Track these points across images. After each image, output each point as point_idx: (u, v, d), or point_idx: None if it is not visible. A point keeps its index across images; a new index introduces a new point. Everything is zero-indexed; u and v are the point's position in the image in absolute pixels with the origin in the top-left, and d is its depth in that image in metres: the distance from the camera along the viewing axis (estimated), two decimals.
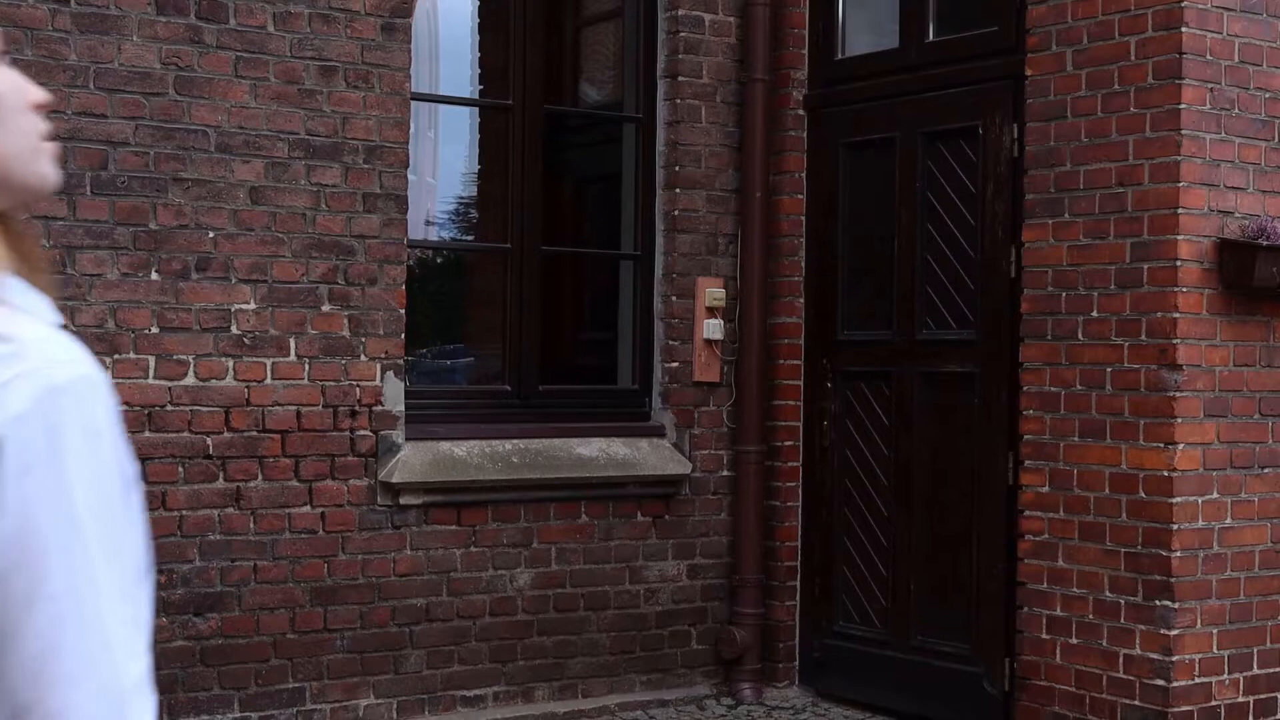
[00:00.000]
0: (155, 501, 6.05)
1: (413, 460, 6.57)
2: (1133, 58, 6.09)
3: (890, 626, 7.10)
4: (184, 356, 6.11)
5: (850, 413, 7.31)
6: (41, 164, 1.45)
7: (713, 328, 7.43)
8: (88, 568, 1.32)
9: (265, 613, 6.28)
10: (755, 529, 7.43)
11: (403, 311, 6.58)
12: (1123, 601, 6.10)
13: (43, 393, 1.30)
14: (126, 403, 6.00)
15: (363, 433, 6.48)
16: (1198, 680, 6.01)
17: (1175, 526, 5.95)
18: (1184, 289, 5.96)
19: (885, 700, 7.10)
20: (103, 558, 1.33)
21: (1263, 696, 6.19)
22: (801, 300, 7.54)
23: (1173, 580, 5.95)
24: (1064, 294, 6.33)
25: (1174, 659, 5.95)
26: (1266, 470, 6.20)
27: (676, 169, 7.39)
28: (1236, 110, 6.07)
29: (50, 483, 1.30)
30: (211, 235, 6.16)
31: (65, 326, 1.42)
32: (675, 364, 7.37)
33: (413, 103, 6.67)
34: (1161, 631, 5.97)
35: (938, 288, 6.92)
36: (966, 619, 6.75)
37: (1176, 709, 5.95)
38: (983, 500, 6.70)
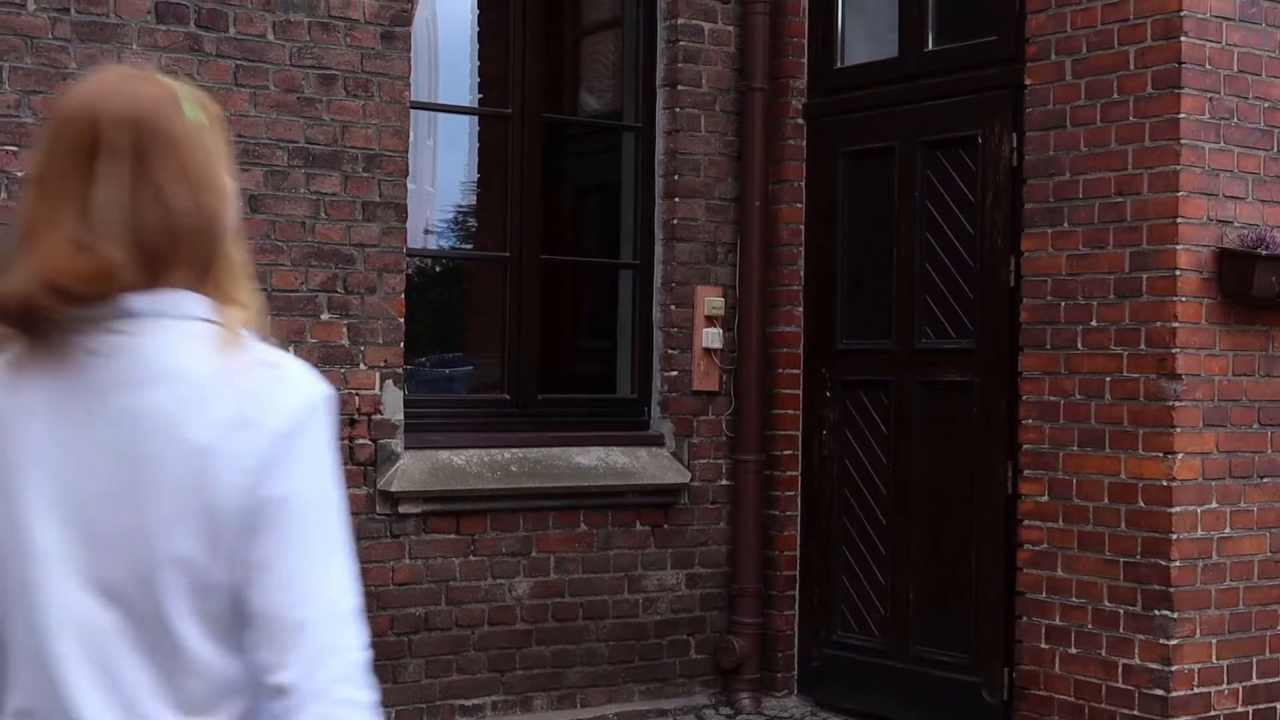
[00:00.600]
0: None
1: (411, 469, 6.56)
2: (1132, 67, 6.10)
3: (889, 636, 7.09)
4: None
5: (849, 422, 7.31)
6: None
7: (712, 336, 7.43)
8: (329, 525, 1.90)
9: None
10: (754, 538, 7.43)
11: (402, 320, 6.58)
12: (1122, 611, 6.10)
13: (307, 403, 1.89)
14: None
15: (361, 441, 6.48)
16: (1197, 690, 6.00)
17: (1174, 536, 5.95)
18: (1183, 298, 5.96)
19: (884, 710, 7.09)
20: (336, 521, 1.91)
21: (1262, 707, 6.19)
22: (800, 309, 7.54)
23: (1172, 590, 5.95)
24: (1063, 303, 6.33)
25: (1173, 669, 5.95)
26: (1265, 480, 6.20)
27: (675, 178, 7.39)
28: (1235, 120, 6.08)
29: (314, 465, 1.88)
30: None
31: None
32: (674, 373, 7.37)
33: (412, 111, 6.67)
34: (1160, 641, 5.97)
35: (937, 297, 6.92)
36: (965, 628, 6.75)
37: (1175, 719, 5.94)
38: (982, 509, 6.69)
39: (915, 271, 7.00)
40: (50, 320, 1.85)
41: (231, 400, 1.88)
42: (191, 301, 1.89)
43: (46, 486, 1.89)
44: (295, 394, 1.90)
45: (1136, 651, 6.04)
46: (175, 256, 1.87)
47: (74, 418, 1.89)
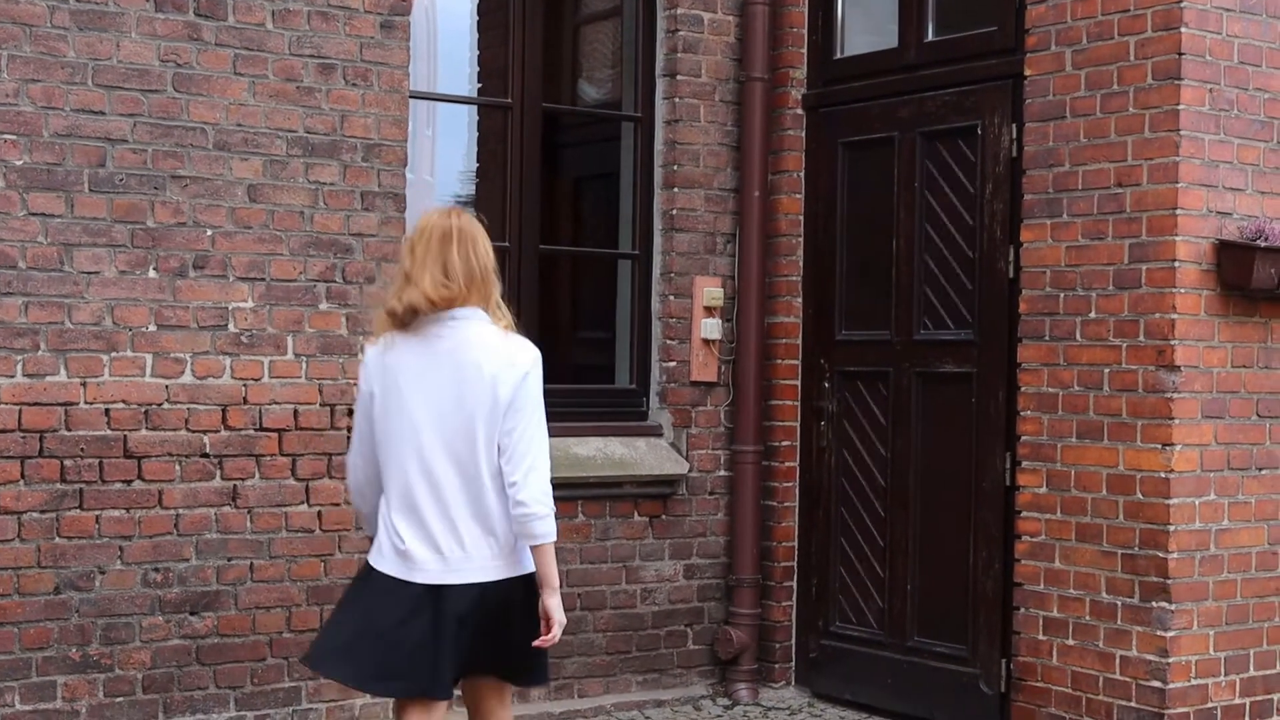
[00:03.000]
0: (151, 500, 6.05)
1: None
2: (1132, 58, 6.09)
3: (887, 627, 7.10)
4: (181, 355, 6.10)
5: (847, 413, 7.31)
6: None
7: (710, 327, 7.43)
8: (539, 415, 4.25)
9: (262, 612, 6.27)
10: (752, 529, 7.43)
11: None
12: (1119, 603, 6.10)
13: (533, 357, 4.27)
14: (123, 401, 5.99)
15: None
16: (1194, 682, 6.01)
17: (1172, 528, 5.95)
18: (1182, 290, 5.96)
19: (882, 701, 7.10)
20: (540, 416, 4.25)
21: (1259, 698, 6.19)
22: (799, 300, 7.54)
23: (1169, 582, 5.95)
24: (1062, 295, 6.33)
25: (1170, 660, 5.95)
26: (1264, 471, 6.20)
27: (675, 168, 7.38)
28: (1235, 111, 6.07)
29: (534, 384, 4.25)
30: (209, 233, 6.16)
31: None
32: (673, 363, 7.37)
33: (411, 101, 6.66)
34: (1158, 633, 5.97)
35: (936, 288, 6.92)
36: (963, 619, 6.75)
37: (1173, 710, 5.95)
38: (979, 501, 6.69)
39: (914, 262, 7.00)
40: (421, 316, 4.24)
41: (502, 354, 4.25)
42: (480, 312, 4.29)
43: (418, 398, 4.24)
44: (528, 352, 4.31)
45: (1134, 643, 6.05)
46: (473, 290, 4.26)
47: (429, 364, 4.25)
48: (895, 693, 7.03)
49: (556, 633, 4.27)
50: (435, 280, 4.19)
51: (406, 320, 4.23)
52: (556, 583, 4.27)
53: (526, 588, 4.27)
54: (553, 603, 4.25)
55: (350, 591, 4.42)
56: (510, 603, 4.26)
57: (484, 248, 4.28)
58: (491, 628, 4.24)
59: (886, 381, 7.13)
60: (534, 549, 4.23)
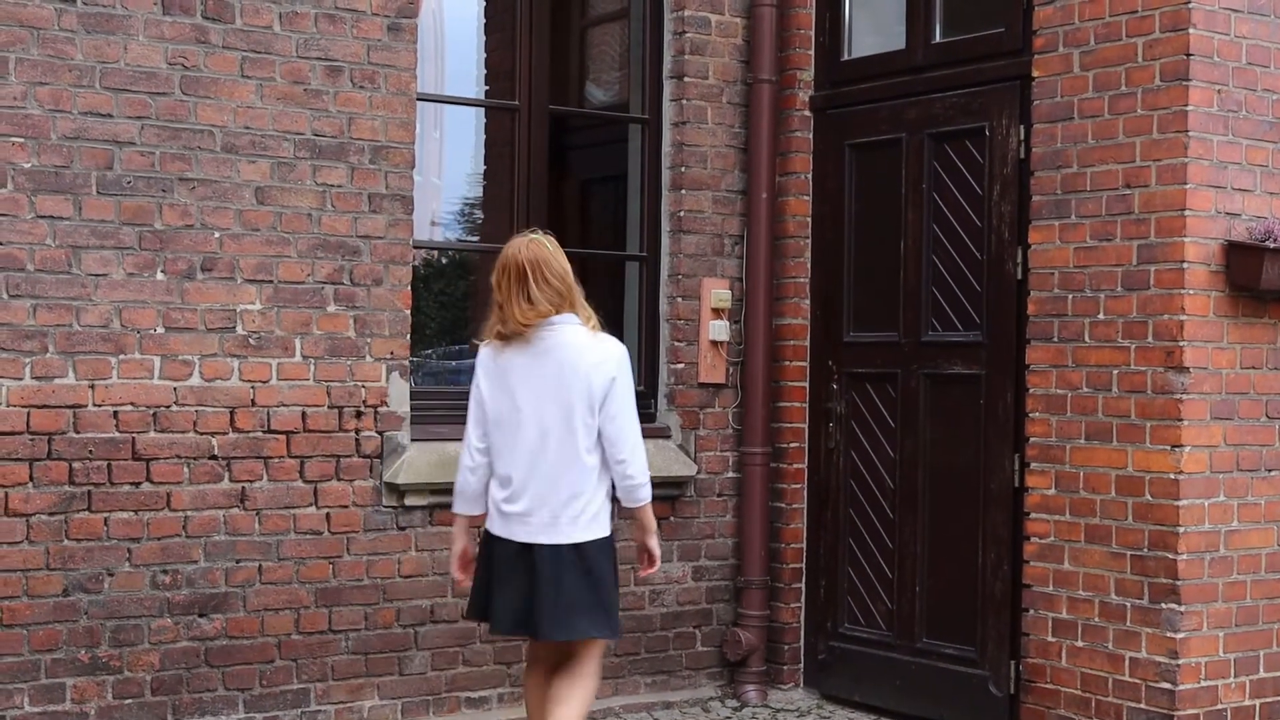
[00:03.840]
0: (160, 502, 6.05)
1: (418, 461, 6.56)
2: (1140, 59, 6.08)
3: (895, 629, 7.09)
4: (189, 357, 6.11)
5: (855, 414, 7.30)
6: None
7: (718, 329, 7.43)
8: (631, 402, 5.16)
9: (270, 613, 6.28)
10: (760, 531, 7.42)
11: (408, 312, 6.58)
12: (1129, 604, 6.09)
13: (621, 353, 5.17)
14: (131, 403, 6.00)
15: (368, 434, 6.48)
16: (1204, 683, 6.00)
17: (1181, 529, 5.94)
18: (1191, 291, 5.95)
19: (890, 702, 7.09)
20: (632, 402, 5.17)
21: (1269, 700, 6.18)
22: (807, 301, 7.53)
23: (1179, 583, 5.94)
24: (1070, 296, 6.32)
25: (1180, 662, 5.94)
26: (1274, 473, 6.19)
27: (682, 170, 7.38)
28: (1244, 112, 6.06)
29: (625, 375, 5.15)
30: (217, 235, 6.16)
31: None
32: (681, 365, 7.37)
33: (418, 103, 6.66)
34: (1167, 634, 5.96)
35: (944, 289, 6.91)
36: (972, 621, 6.74)
37: (1182, 712, 5.94)
38: (988, 502, 6.69)
39: (922, 264, 6.99)
40: (520, 332, 5.07)
41: (594, 352, 5.09)
42: (571, 317, 5.10)
43: (524, 392, 5.08)
44: (615, 349, 5.15)
45: (1143, 644, 6.04)
46: (564, 303, 5.08)
47: (533, 363, 5.08)
48: (904, 694, 7.02)
49: (658, 566, 5.48)
50: (523, 310, 5.06)
51: (510, 339, 5.12)
52: (655, 527, 5.44)
53: (598, 550, 5.16)
54: (653, 542, 5.43)
55: (480, 554, 5.32)
56: (582, 560, 5.13)
57: (558, 268, 5.11)
58: (569, 582, 5.11)
59: (895, 383, 7.13)
60: (638, 508, 5.31)
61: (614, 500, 5.30)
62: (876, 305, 7.23)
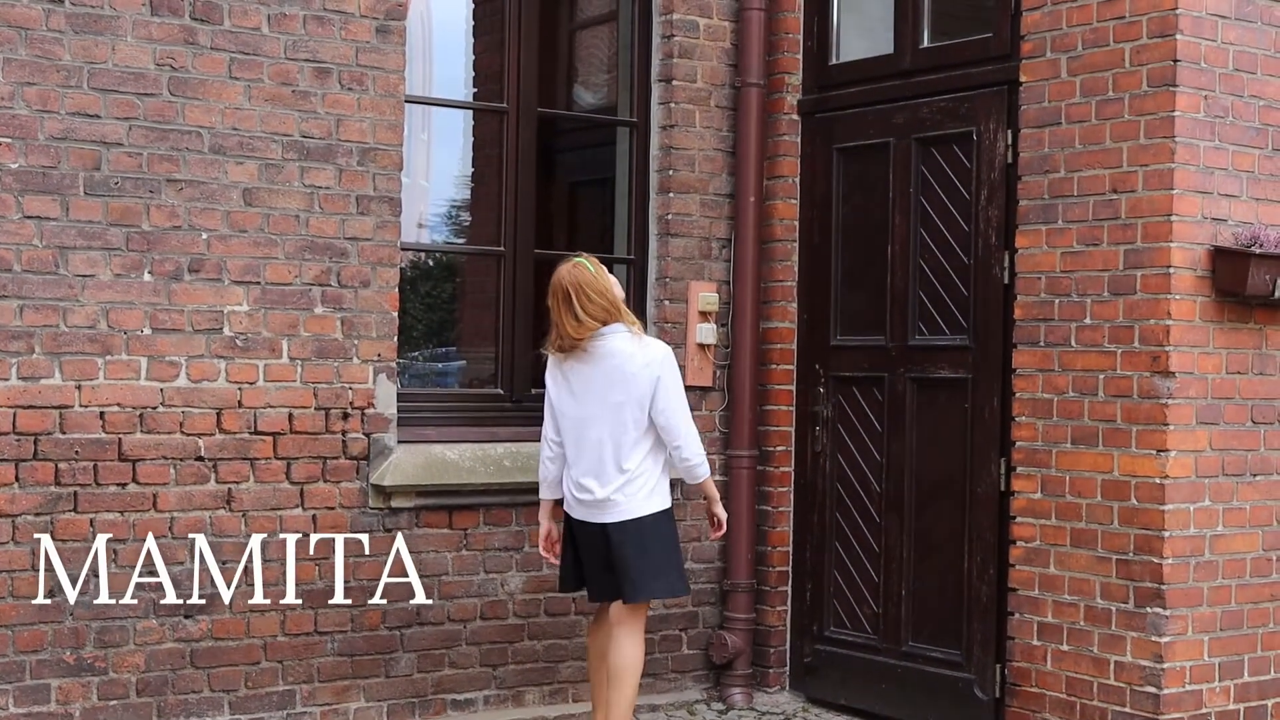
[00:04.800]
0: (146, 503, 6.04)
1: (404, 463, 6.56)
2: (1127, 65, 6.10)
3: (881, 632, 7.10)
4: (176, 358, 6.10)
5: (842, 418, 7.31)
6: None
7: (705, 332, 7.43)
8: (679, 398, 5.96)
9: (255, 615, 6.27)
10: (747, 534, 7.43)
11: (395, 314, 6.57)
12: (1114, 608, 6.11)
13: (663, 353, 5.95)
14: (118, 404, 5.99)
15: (354, 435, 6.47)
16: (1189, 688, 6.01)
17: (1167, 533, 5.96)
18: (1177, 296, 5.97)
19: (876, 706, 7.10)
20: (680, 391, 5.97)
21: (1253, 704, 6.20)
22: (794, 305, 7.54)
23: (1164, 587, 5.95)
24: (1057, 300, 6.34)
25: (1165, 666, 5.95)
26: (1258, 478, 6.21)
27: (670, 173, 7.39)
28: (1230, 118, 6.08)
29: (668, 373, 5.91)
30: (204, 237, 6.16)
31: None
32: None
33: (407, 105, 6.66)
34: (1153, 638, 5.98)
35: (931, 293, 6.92)
36: (957, 624, 6.75)
37: (1167, 716, 5.95)
38: (974, 506, 6.70)
39: (909, 268, 7.00)
40: (573, 346, 5.91)
41: (639, 356, 5.89)
42: (618, 327, 5.91)
43: (583, 393, 5.95)
44: (659, 350, 5.95)
45: (1129, 648, 6.05)
46: (610, 316, 5.88)
47: (589, 369, 5.94)
48: (889, 698, 7.03)
49: (724, 529, 6.41)
50: (573, 326, 5.89)
51: (567, 351, 5.97)
52: (718, 496, 6.34)
53: (651, 522, 5.96)
54: (718, 509, 6.32)
55: (565, 535, 6.17)
56: (638, 531, 5.93)
57: (599, 287, 5.92)
58: (622, 552, 5.93)
59: (881, 387, 7.13)
60: (699, 483, 6.19)
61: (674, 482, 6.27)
62: (863, 309, 7.24)
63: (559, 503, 6.17)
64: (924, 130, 6.96)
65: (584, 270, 5.94)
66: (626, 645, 6.00)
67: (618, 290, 6.02)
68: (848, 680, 7.23)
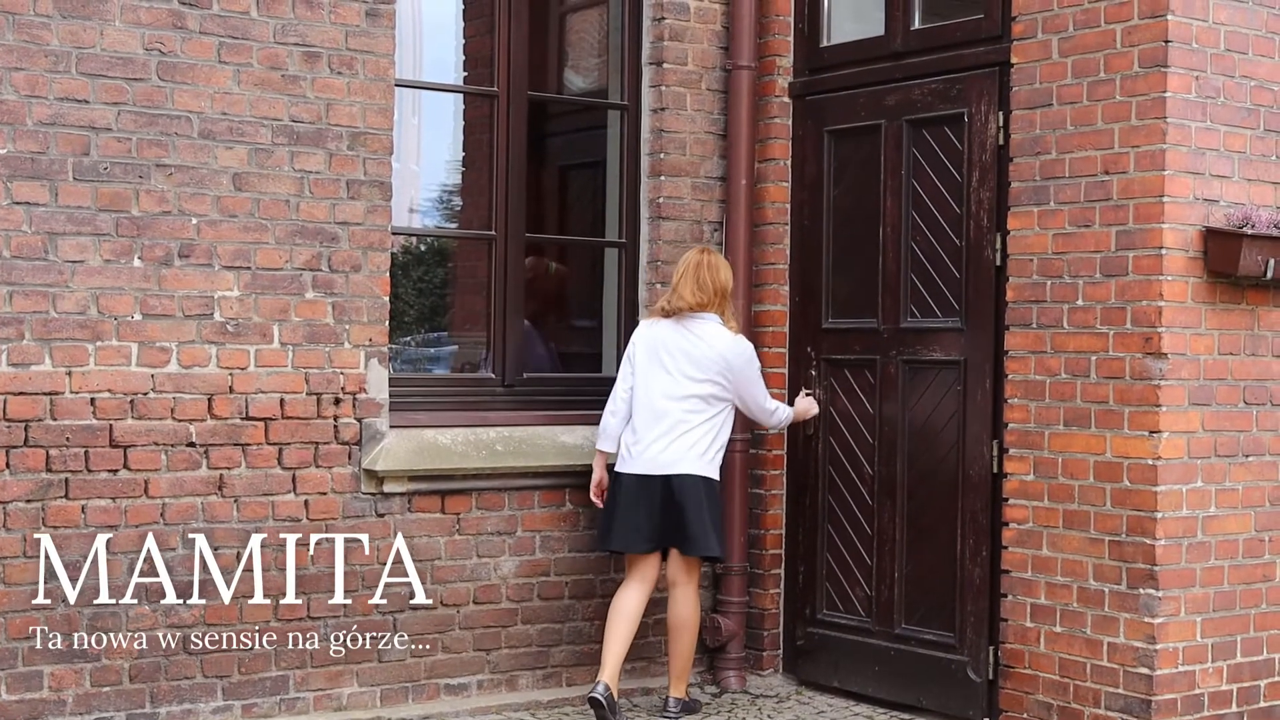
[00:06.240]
0: (137, 489, 6.03)
1: (396, 448, 6.55)
2: (1119, 45, 6.09)
3: (874, 614, 7.10)
4: (166, 343, 6.09)
5: (834, 401, 7.31)
6: None
7: None
8: (758, 385, 6.79)
9: (248, 601, 6.26)
10: (739, 517, 7.43)
11: (386, 299, 6.56)
12: (1106, 590, 6.11)
13: (749, 351, 6.75)
14: (108, 390, 5.98)
15: (346, 420, 6.46)
16: (1181, 668, 6.02)
17: (1159, 515, 5.96)
18: (1169, 277, 5.96)
19: (869, 688, 7.10)
20: (760, 380, 6.81)
21: (1246, 684, 6.21)
22: (786, 288, 7.54)
23: (1157, 568, 5.96)
24: (1049, 282, 6.33)
25: (1158, 647, 5.96)
26: (1250, 458, 6.21)
27: (661, 156, 7.37)
28: (1222, 98, 6.07)
29: (750, 368, 6.73)
30: (194, 222, 6.14)
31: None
32: None
33: (397, 89, 6.64)
34: (1145, 619, 5.98)
35: (923, 276, 6.92)
36: (950, 607, 6.76)
37: (1160, 697, 5.96)
38: (967, 488, 6.70)
39: (901, 250, 6.99)
40: (679, 312, 6.66)
41: (723, 343, 6.66)
42: (717, 317, 6.70)
43: (667, 360, 6.66)
44: (745, 346, 6.73)
45: (1121, 630, 6.06)
46: (714, 301, 6.68)
47: (679, 340, 6.66)
48: (883, 680, 7.04)
49: (816, 408, 7.27)
50: (691, 290, 6.62)
51: (671, 314, 6.66)
52: (806, 411, 7.20)
53: (706, 484, 6.63)
54: (806, 415, 7.23)
55: (610, 489, 6.72)
56: (696, 489, 6.58)
57: (724, 275, 6.72)
58: (682, 506, 6.56)
59: (874, 369, 7.13)
60: (788, 425, 7.16)
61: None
62: (855, 292, 7.23)
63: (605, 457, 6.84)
64: (915, 112, 6.95)
65: (716, 255, 6.80)
66: (684, 601, 6.72)
67: (731, 283, 6.79)
68: (841, 663, 7.23)
